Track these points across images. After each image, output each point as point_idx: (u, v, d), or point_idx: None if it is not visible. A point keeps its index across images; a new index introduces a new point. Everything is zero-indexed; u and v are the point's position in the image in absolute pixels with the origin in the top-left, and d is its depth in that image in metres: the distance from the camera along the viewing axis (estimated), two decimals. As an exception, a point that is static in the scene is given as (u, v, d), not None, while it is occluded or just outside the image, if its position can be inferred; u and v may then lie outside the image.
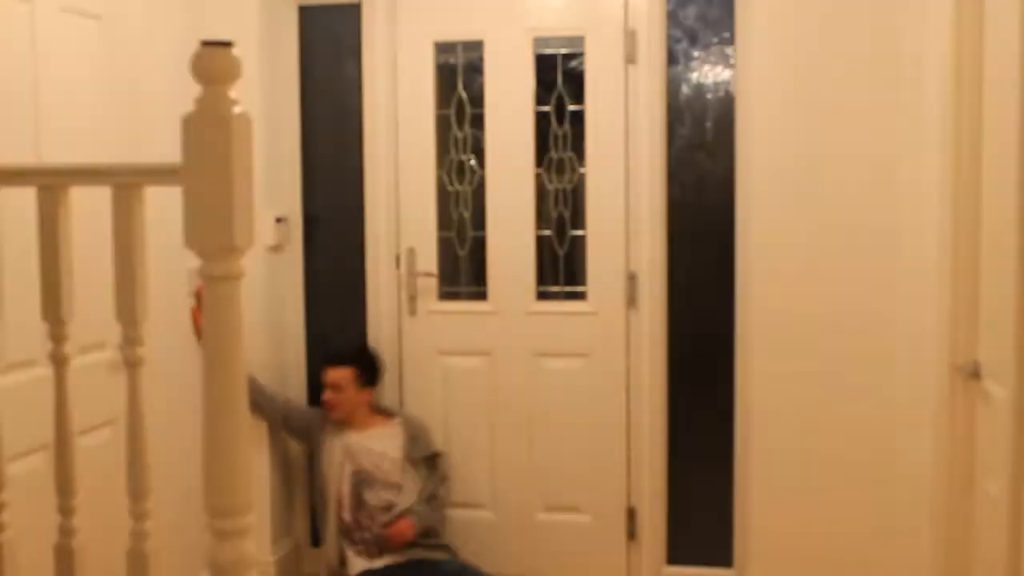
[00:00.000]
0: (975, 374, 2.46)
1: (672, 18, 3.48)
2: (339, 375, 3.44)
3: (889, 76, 3.20)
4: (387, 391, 3.73)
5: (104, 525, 2.10)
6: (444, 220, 3.73)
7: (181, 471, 3.04)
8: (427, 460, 3.47)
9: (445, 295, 3.75)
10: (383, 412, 3.55)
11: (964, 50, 2.55)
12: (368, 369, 3.52)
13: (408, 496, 3.33)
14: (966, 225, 2.55)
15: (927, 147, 2.91)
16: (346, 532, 3.32)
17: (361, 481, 3.33)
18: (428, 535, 3.34)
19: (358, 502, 3.32)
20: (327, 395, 3.43)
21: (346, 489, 3.32)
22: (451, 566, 3.31)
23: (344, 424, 3.43)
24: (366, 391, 3.50)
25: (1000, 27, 2.32)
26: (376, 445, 3.39)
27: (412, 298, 3.73)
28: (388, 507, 3.30)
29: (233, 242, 1.41)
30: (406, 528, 3.26)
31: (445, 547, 3.40)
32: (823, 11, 3.27)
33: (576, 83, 3.60)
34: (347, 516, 3.32)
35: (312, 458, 3.53)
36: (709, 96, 3.47)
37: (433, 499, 3.41)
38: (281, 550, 3.67)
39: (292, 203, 3.80)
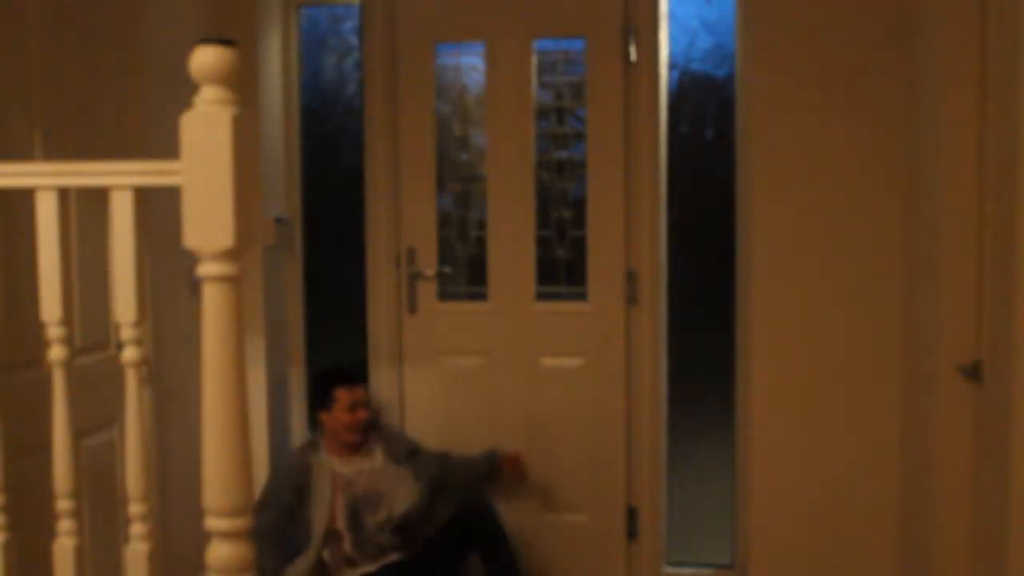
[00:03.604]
0: (976, 374, 2.46)
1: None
2: (365, 394, 3.38)
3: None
4: (386, 391, 3.74)
5: (104, 526, 2.10)
6: (444, 220, 3.73)
7: (180, 471, 3.04)
8: (412, 453, 3.40)
9: (445, 295, 3.74)
10: None
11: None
12: None
13: (402, 499, 3.29)
14: (969, 223, 2.55)
15: (927, 141, 2.91)
16: (347, 563, 3.25)
17: (357, 508, 3.27)
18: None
19: (358, 530, 3.25)
20: (360, 414, 3.30)
21: (342, 524, 3.25)
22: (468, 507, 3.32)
23: (332, 456, 3.34)
24: None
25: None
26: (361, 464, 3.33)
27: (412, 298, 3.72)
28: (388, 520, 3.26)
29: (233, 242, 1.41)
30: (518, 466, 3.50)
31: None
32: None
33: (577, 82, 3.60)
34: (347, 548, 3.25)
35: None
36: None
37: (453, 460, 3.47)
38: None
39: (292, 203, 3.80)
